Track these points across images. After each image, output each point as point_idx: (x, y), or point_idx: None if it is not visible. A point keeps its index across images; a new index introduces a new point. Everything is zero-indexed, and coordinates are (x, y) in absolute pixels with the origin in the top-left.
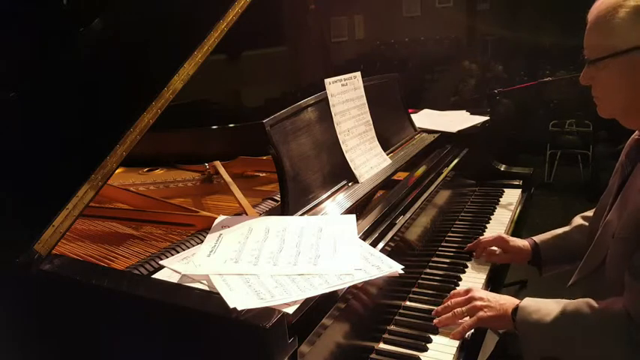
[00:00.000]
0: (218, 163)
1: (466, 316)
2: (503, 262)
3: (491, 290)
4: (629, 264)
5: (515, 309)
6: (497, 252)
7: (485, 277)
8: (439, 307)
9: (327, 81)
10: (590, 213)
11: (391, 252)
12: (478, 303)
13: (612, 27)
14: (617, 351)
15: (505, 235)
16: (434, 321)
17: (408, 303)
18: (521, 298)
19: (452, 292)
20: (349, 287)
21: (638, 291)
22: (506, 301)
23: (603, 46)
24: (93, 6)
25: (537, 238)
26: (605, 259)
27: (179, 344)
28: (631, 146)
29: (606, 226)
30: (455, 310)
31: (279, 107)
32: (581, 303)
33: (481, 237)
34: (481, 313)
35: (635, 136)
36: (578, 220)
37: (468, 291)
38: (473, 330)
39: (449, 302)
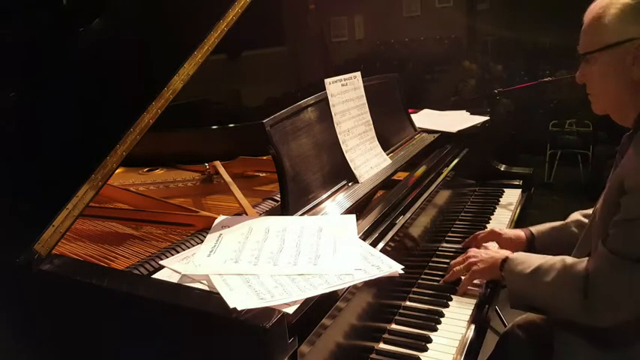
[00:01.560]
0: (218, 163)
1: (464, 273)
2: None
3: (491, 288)
4: (603, 232)
5: (504, 260)
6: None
7: None
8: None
9: (327, 81)
10: (589, 211)
11: (391, 252)
12: (473, 259)
13: (603, 24)
14: (575, 305)
15: (497, 229)
16: (441, 280)
17: (408, 303)
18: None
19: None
20: (349, 287)
21: (602, 255)
22: (496, 254)
23: (594, 42)
24: (93, 6)
25: (534, 229)
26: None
27: (179, 344)
28: (623, 143)
29: (594, 214)
30: (455, 268)
31: (279, 107)
32: (557, 259)
33: (476, 232)
34: (474, 267)
35: (627, 133)
36: (576, 216)
37: (467, 252)
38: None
39: (451, 264)
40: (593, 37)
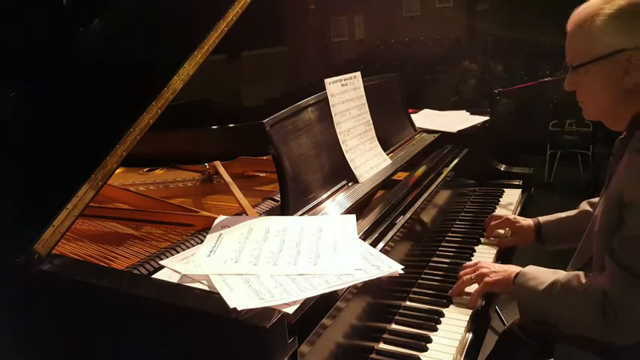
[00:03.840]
0: (218, 163)
1: (474, 283)
2: (512, 244)
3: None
4: (609, 246)
5: (517, 274)
6: (506, 234)
7: None
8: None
9: (327, 81)
10: (597, 200)
11: (391, 252)
12: (484, 270)
13: (591, 34)
14: (595, 323)
15: (511, 217)
16: (449, 291)
17: (408, 303)
18: None
19: (463, 265)
20: (349, 287)
21: (613, 271)
22: (509, 267)
23: (584, 53)
24: (93, 6)
25: (542, 219)
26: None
27: (179, 344)
28: (617, 147)
29: (593, 221)
30: (464, 278)
31: (279, 107)
32: (572, 276)
33: (492, 215)
34: (487, 279)
35: (620, 137)
36: (584, 205)
37: (476, 263)
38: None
39: (460, 273)
40: (581, 48)
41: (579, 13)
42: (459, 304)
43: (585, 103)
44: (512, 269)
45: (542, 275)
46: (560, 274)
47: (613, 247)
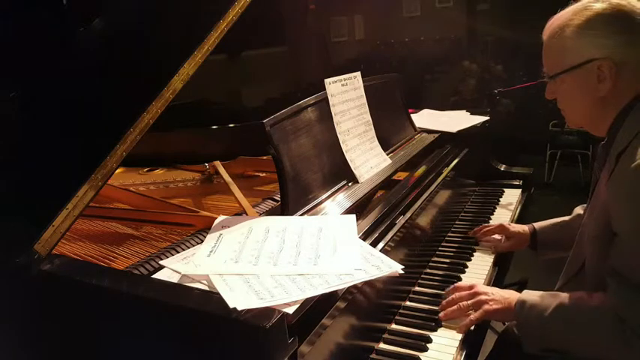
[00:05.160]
0: (218, 163)
1: (471, 310)
2: (507, 249)
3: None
4: (607, 265)
5: (516, 303)
6: (501, 239)
7: (485, 276)
8: (444, 302)
9: (327, 81)
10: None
11: (391, 252)
12: (483, 297)
13: (562, 45)
14: (614, 348)
15: (506, 223)
16: (439, 315)
17: (408, 303)
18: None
19: (455, 285)
20: (349, 287)
21: (617, 291)
22: (509, 295)
23: (558, 63)
24: (93, 6)
25: (536, 224)
26: (585, 262)
27: (179, 344)
28: (599, 152)
29: (583, 228)
30: (460, 304)
31: (279, 107)
32: (578, 298)
33: (484, 224)
34: (487, 307)
35: (602, 142)
36: (578, 210)
37: (471, 286)
38: (474, 326)
39: (453, 296)
40: (554, 59)
41: (551, 24)
42: (449, 327)
43: (566, 111)
44: (512, 297)
45: (543, 300)
46: (562, 297)
47: (614, 267)
